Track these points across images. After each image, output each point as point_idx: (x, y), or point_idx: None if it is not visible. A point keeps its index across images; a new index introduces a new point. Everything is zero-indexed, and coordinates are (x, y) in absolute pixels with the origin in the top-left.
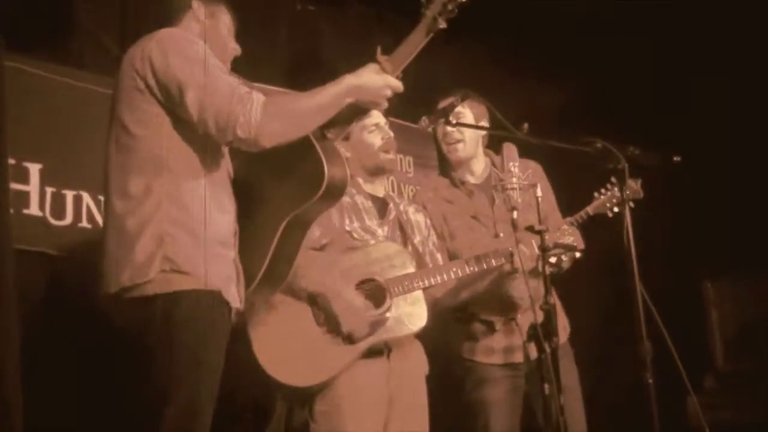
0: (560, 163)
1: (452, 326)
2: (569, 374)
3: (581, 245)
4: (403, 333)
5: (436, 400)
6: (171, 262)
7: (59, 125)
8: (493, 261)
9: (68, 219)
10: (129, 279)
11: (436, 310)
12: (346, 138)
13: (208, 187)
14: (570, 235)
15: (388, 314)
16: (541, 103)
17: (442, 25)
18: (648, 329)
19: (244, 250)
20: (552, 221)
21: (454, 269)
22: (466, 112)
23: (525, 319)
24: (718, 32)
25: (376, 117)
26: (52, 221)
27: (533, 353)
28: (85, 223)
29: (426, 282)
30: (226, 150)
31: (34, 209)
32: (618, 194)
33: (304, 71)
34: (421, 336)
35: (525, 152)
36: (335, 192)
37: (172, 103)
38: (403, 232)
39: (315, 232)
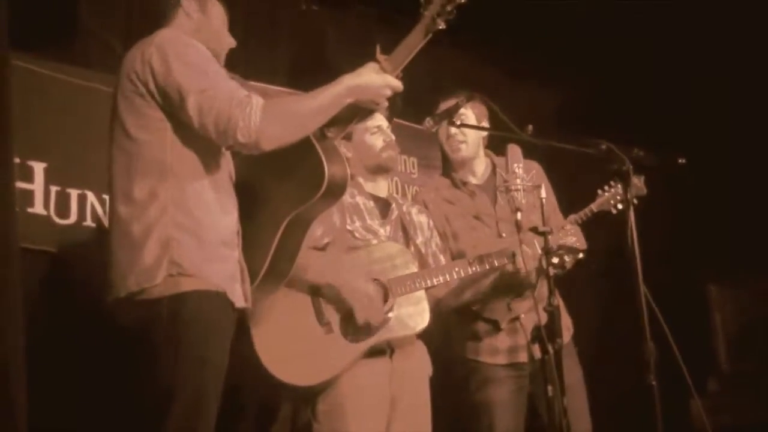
0: (559, 163)
1: (456, 326)
2: (573, 373)
3: (583, 245)
4: (405, 333)
5: (439, 400)
6: (178, 266)
7: (64, 124)
8: (495, 261)
9: (73, 218)
10: (136, 284)
11: (438, 310)
12: (348, 138)
13: (211, 189)
14: (572, 236)
15: (390, 314)
16: (541, 105)
17: (441, 25)
18: (651, 331)
19: (246, 249)
20: (553, 222)
21: (457, 269)
22: (468, 113)
23: (529, 318)
24: (719, 34)
25: (379, 120)
26: (57, 220)
27: (537, 353)
28: (89, 222)
29: (428, 282)
30: (227, 151)
31: (38, 208)
32: (621, 191)
33: (307, 71)
34: (424, 336)
35: (525, 153)
36: (336, 191)
37: (172, 107)
38: (405, 232)
39: (317, 231)
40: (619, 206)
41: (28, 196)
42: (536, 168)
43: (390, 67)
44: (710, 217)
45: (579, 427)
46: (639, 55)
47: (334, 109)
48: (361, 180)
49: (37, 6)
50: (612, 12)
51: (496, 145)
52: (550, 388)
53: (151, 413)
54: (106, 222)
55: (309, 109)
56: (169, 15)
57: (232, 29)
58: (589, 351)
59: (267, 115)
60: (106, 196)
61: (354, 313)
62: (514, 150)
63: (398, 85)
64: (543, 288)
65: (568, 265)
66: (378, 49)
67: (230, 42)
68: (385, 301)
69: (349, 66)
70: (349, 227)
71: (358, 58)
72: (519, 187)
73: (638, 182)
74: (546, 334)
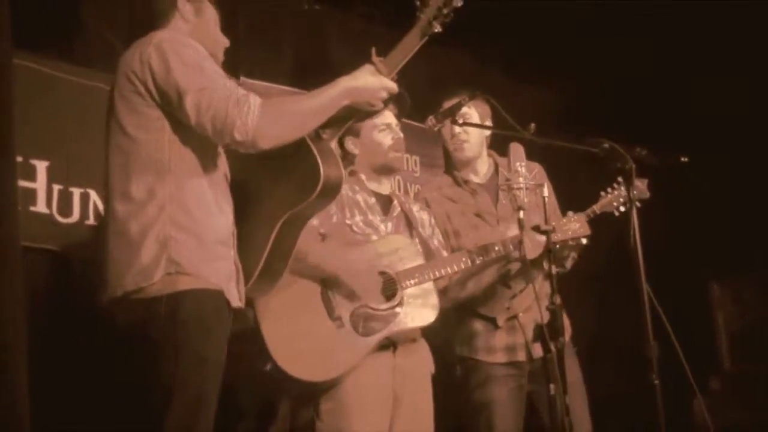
0: (558, 165)
1: (454, 324)
2: (572, 374)
3: (587, 231)
4: (416, 325)
5: (438, 399)
6: (176, 265)
7: (66, 123)
8: (501, 249)
9: (75, 216)
10: (134, 283)
11: (445, 300)
12: (356, 134)
13: (208, 188)
14: (576, 222)
15: (399, 308)
16: (543, 105)
17: (437, 29)
18: (653, 330)
19: (241, 250)
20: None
21: (464, 259)
22: (472, 112)
23: (527, 317)
24: (719, 34)
25: (388, 117)
26: (59, 219)
27: (537, 351)
28: (91, 221)
29: (436, 273)
30: (222, 151)
31: (41, 206)
32: (624, 193)
33: (310, 70)
34: (424, 334)
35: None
36: (330, 192)
37: (171, 107)
38: (410, 226)
39: (312, 221)
40: (622, 208)
41: (31, 194)
42: (538, 168)
43: (386, 70)
44: (712, 216)
45: (579, 429)
46: (639, 55)
47: (331, 110)
48: (363, 177)
49: (39, 5)
50: (612, 12)
51: (498, 145)
52: (552, 386)
53: (151, 411)
54: None
55: (306, 109)
56: (166, 17)
57: (235, 29)
58: (589, 351)
59: (264, 114)
60: None
61: (361, 298)
62: (517, 149)
63: (394, 87)
64: (545, 287)
65: (568, 265)
66: (374, 51)
67: (224, 42)
68: (394, 294)
69: (351, 66)
70: (348, 221)
71: (361, 57)
72: (522, 185)
73: (641, 185)
74: (548, 332)
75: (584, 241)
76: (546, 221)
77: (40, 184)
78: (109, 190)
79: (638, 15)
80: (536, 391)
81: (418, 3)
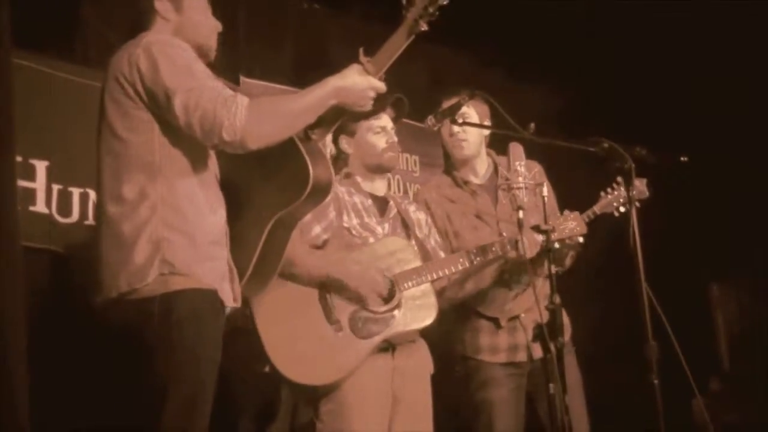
0: (558, 165)
1: (455, 324)
2: (571, 374)
3: (583, 230)
4: (414, 326)
5: (439, 399)
6: (170, 265)
7: (66, 123)
8: (498, 250)
9: (74, 216)
10: (127, 284)
11: (442, 301)
12: (351, 134)
13: (199, 189)
14: (572, 220)
15: (397, 310)
16: (542, 105)
17: (424, 27)
18: (654, 330)
19: (233, 249)
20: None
21: (461, 260)
22: (471, 112)
23: (529, 317)
24: (719, 33)
25: (384, 120)
26: (59, 218)
27: (537, 352)
28: (91, 221)
29: (434, 275)
30: (213, 152)
31: (40, 206)
32: (624, 193)
33: (309, 70)
34: (424, 334)
35: (527, 153)
36: (320, 193)
37: (159, 109)
38: (406, 227)
39: (315, 229)
40: (622, 209)
41: (30, 194)
42: (538, 168)
43: (373, 69)
44: (712, 216)
45: (577, 428)
46: (639, 55)
47: (319, 110)
48: (359, 179)
49: (39, 4)
50: (612, 11)
51: (497, 144)
52: (552, 386)
53: (147, 412)
54: None
55: (294, 109)
56: (148, 19)
57: (235, 28)
58: (589, 351)
59: (252, 114)
60: None
61: (363, 298)
62: (517, 148)
63: (381, 86)
64: (545, 286)
65: (568, 263)
66: (361, 51)
67: (215, 25)
68: (393, 296)
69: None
70: (346, 224)
71: (366, 55)
72: (521, 185)
73: (640, 185)
74: (548, 332)
75: (581, 239)
76: (545, 220)
77: (39, 183)
78: (100, 192)
79: (638, 14)
80: (535, 392)
81: (404, 2)
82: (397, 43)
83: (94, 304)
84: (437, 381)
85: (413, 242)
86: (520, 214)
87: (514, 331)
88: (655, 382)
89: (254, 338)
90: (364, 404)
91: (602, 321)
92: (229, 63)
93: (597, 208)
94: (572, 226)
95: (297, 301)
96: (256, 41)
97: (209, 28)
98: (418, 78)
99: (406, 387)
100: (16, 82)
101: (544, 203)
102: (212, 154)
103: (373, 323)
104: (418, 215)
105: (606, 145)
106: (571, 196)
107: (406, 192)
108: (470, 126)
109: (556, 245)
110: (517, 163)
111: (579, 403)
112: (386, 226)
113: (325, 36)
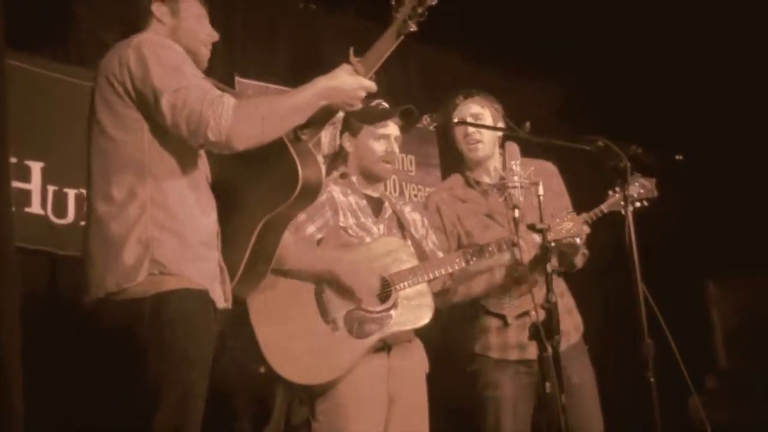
0: (560, 163)
1: (464, 322)
2: (585, 372)
3: (580, 230)
4: (410, 326)
5: (447, 397)
6: (160, 266)
7: (61, 124)
8: (495, 250)
9: (70, 217)
10: (116, 284)
11: (446, 300)
12: (354, 135)
13: (189, 189)
14: (569, 221)
15: (393, 310)
16: (540, 103)
17: (413, 28)
18: (649, 328)
19: (224, 250)
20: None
21: (457, 260)
22: (485, 113)
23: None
24: (719, 33)
25: (390, 129)
26: (54, 220)
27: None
28: None
29: (430, 275)
30: (203, 152)
31: (35, 208)
32: (630, 191)
33: (305, 69)
34: (433, 332)
35: (536, 153)
36: (310, 193)
37: (148, 108)
38: (402, 227)
39: (309, 228)
40: (630, 207)
41: (25, 195)
42: (548, 168)
43: (363, 70)
44: (709, 214)
45: (592, 428)
46: (639, 54)
47: (309, 110)
48: (354, 179)
49: (32, 5)
50: (611, 10)
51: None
52: (548, 384)
53: (140, 412)
54: None
55: (282, 109)
56: (144, 20)
57: (230, 29)
58: (590, 348)
59: (238, 114)
60: None
61: (359, 298)
62: (512, 148)
63: (372, 86)
64: (558, 284)
65: (579, 263)
66: (351, 51)
67: (211, 34)
68: (389, 296)
69: None
70: (342, 224)
71: (357, 56)
72: (516, 184)
73: (649, 184)
74: (544, 331)
75: (578, 240)
76: (541, 219)
77: (34, 185)
78: (90, 192)
79: (637, 13)
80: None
81: (393, 2)
82: (387, 44)
83: (83, 304)
84: (441, 380)
85: (409, 242)
86: (516, 213)
87: (524, 328)
88: (652, 379)
89: (249, 337)
90: (360, 404)
91: (600, 319)
92: (225, 63)
93: (605, 207)
94: (569, 227)
95: (293, 300)
96: (251, 42)
97: (204, 36)
98: (415, 77)
99: (401, 387)
100: (10, 84)
101: (539, 202)
102: (203, 154)
103: (369, 323)
104: (413, 216)
105: (601, 143)
106: (572, 195)
107: (401, 192)
108: (468, 125)
109: (554, 246)
110: (512, 162)
111: (593, 404)
112: (381, 226)
113: (321, 36)
